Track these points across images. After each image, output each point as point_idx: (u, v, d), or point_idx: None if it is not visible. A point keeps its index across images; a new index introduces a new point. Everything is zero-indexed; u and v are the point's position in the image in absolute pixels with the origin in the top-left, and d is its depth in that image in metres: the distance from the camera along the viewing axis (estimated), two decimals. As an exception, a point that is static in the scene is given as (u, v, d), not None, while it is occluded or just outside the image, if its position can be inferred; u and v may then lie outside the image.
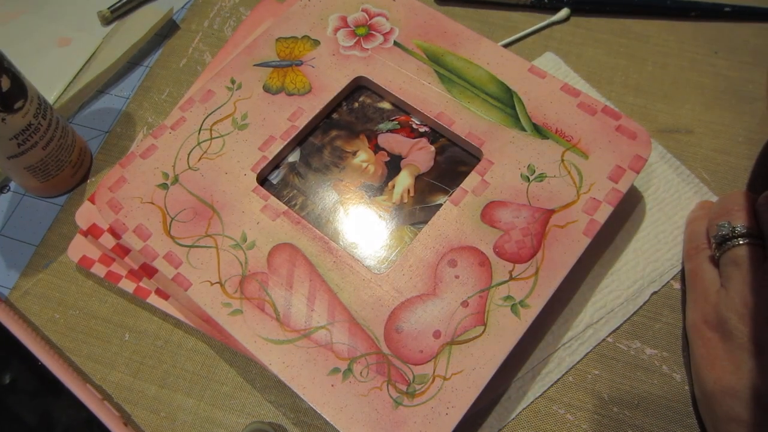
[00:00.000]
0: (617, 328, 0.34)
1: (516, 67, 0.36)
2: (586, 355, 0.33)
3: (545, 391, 0.32)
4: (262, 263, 0.31)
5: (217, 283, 0.30)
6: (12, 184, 0.40)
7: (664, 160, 0.38)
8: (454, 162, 0.35)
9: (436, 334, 0.29)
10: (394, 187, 0.35)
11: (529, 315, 0.29)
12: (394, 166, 0.35)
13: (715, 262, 0.32)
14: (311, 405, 0.28)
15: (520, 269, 0.30)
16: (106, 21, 0.46)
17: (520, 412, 0.32)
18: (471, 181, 0.33)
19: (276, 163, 0.35)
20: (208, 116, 0.36)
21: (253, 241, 0.31)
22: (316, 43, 0.38)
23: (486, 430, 0.31)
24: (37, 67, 0.43)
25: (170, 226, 0.32)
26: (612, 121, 0.34)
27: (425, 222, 0.33)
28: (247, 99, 0.36)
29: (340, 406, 0.27)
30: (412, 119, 0.37)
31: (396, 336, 0.29)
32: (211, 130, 0.35)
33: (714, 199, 0.37)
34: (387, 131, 0.36)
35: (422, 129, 0.36)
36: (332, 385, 0.28)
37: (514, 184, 0.33)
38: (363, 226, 0.33)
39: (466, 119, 0.35)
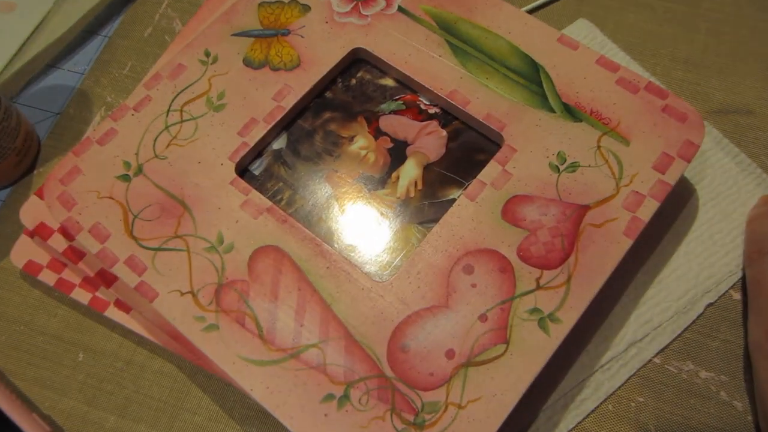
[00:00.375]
0: (666, 347, 0.34)
1: (543, 37, 0.36)
2: (629, 379, 0.33)
3: (580, 423, 0.32)
4: (241, 269, 0.31)
5: (188, 293, 0.30)
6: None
7: (719, 146, 0.38)
8: (469, 149, 0.35)
9: (450, 354, 0.29)
10: (398, 179, 0.35)
11: (560, 331, 0.29)
12: (398, 154, 0.35)
13: (783, 267, 0.31)
14: (300, 439, 0.28)
15: (548, 276, 0.30)
16: (58, -16, 0.46)
17: (550, 446, 0.32)
18: (490, 171, 0.33)
19: (258, 151, 0.35)
20: (177, 95, 0.36)
21: (231, 243, 0.31)
22: (306, 8, 0.38)
23: (509, 468, 0.31)
24: (-25, 37, 0.43)
25: (133, 225, 0.32)
26: (657, 100, 0.34)
27: (436, 220, 0.33)
28: (224, 75, 0.36)
29: (334, 441, 0.28)
30: (420, 98, 0.37)
31: (401, 356, 0.29)
32: (181, 111, 0.35)
33: (779, 193, 0.37)
34: (390, 113, 0.36)
35: (432, 110, 0.36)
36: (325, 415, 0.28)
37: (542, 175, 0.33)
38: (362, 225, 0.33)
39: (484, 98, 0.35)
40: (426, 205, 0.34)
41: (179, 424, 0.33)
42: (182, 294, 0.30)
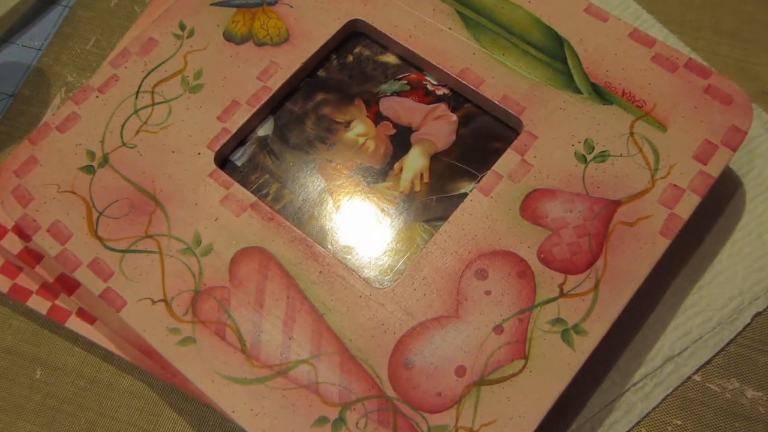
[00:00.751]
0: (707, 363, 0.34)
1: (568, 7, 0.36)
2: (665, 399, 0.33)
3: (608, 449, 0.32)
4: (222, 274, 0.31)
5: (160, 301, 0.30)
6: None
7: (770, 133, 0.38)
8: (483, 136, 0.35)
9: (460, 371, 0.29)
10: (401, 170, 0.35)
11: (586, 345, 0.29)
12: (401, 141, 0.35)
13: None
14: (289, 468, 0.28)
15: (573, 282, 0.30)
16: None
17: (575, 476, 0.32)
18: (507, 161, 0.33)
19: (241, 138, 0.35)
20: (148, 74, 0.36)
21: (209, 244, 0.32)
22: (296, -26, 0.38)
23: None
24: None
25: (97, 223, 0.32)
26: (699, 79, 0.34)
27: (444, 218, 0.33)
28: (201, 51, 0.36)
29: (328, 470, 0.28)
30: (427, 78, 0.37)
31: (405, 373, 0.29)
32: (152, 93, 0.35)
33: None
34: (392, 94, 0.36)
35: (440, 91, 0.36)
36: (318, 441, 0.28)
37: (566, 166, 0.33)
38: (359, 223, 0.33)
39: (500, 78, 0.35)
40: (433, 201, 0.34)
41: (151, 450, 0.33)
42: (154, 302, 0.30)
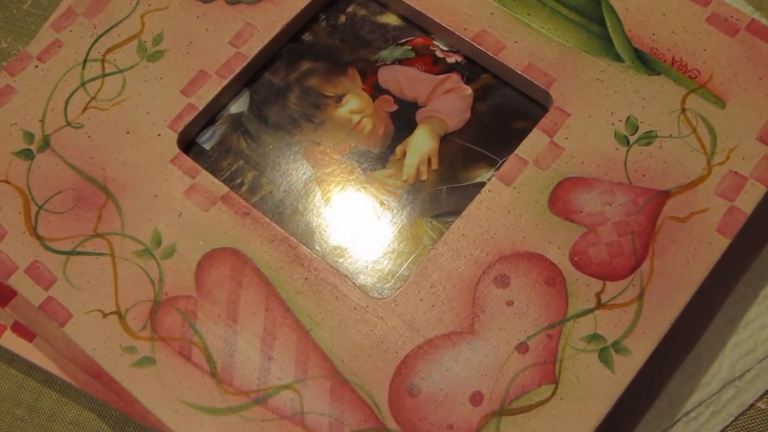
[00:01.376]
0: (774, 387, 0.34)
1: (606, -43, 0.36)
2: (724, 430, 0.33)
3: (655, 491, 0.32)
4: (187, 281, 0.31)
5: (113, 313, 0.30)
6: None
7: None
8: (504, 113, 0.35)
9: (476, 399, 0.29)
10: (404, 155, 0.35)
11: (629, 366, 0.29)
12: (404, 120, 0.35)
13: None
14: None
15: (614, 290, 0.30)
16: None
17: None
18: (533, 144, 0.33)
19: (210, 116, 0.35)
20: (98, 39, 0.36)
21: (172, 244, 0.32)
22: None
23: None
24: None
25: (36, 219, 0.32)
26: (764, 45, 0.34)
27: (457, 213, 0.33)
28: (162, 10, 0.36)
29: None
30: (435, 42, 0.37)
31: (409, 401, 0.29)
32: (103, 61, 0.35)
33: None
34: (393, 62, 0.36)
35: (452, 59, 0.36)
36: (304, 483, 0.28)
37: (604, 149, 0.33)
38: (354, 219, 0.33)
39: (525, 42, 0.35)
40: (443, 192, 0.34)
41: (103, 494, 0.33)
42: (105, 315, 0.30)
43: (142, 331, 0.30)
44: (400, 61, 0.36)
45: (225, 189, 0.33)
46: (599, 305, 0.30)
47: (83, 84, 0.35)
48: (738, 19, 0.35)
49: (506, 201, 0.32)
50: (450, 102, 0.35)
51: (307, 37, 0.37)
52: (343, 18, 0.37)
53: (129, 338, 0.30)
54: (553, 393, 0.29)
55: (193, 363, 0.30)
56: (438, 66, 0.36)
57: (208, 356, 0.30)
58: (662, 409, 0.33)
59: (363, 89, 0.36)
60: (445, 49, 0.37)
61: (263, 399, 0.29)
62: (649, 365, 0.29)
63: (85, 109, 0.34)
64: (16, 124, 0.34)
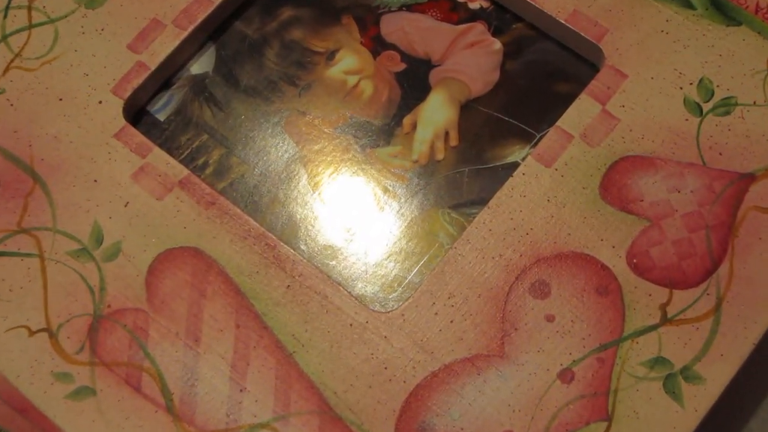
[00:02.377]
0: None
1: None
2: None
3: None
4: (135, 290, 0.31)
5: (42, 330, 0.30)
6: None
7: None
8: (542, 74, 0.35)
9: None
10: (415, 127, 0.34)
11: (702, 398, 0.29)
12: (414, 82, 0.35)
13: None
14: None
15: (683, 301, 0.30)
16: None
17: None
18: (580, 114, 0.33)
19: (164, 79, 0.35)
20: None
21: (116, 243, 0.31)
22: None
23: None
24: None
25: None
26: None
27: (482, 203, 0.32)
28: None
29: None
30: None
31: None
32: (29, 9, 0.35)
33: None
34: (400, 9, 0.36)
35: (475, 3, 0.36)
36: None
37: (671, 120, 0.32)
38: (350, 210, 0.33)
39: None
40: (465, 176, 0.33)
41: None
42: (32, 333, 0.30)
43: (78, 354, 0.30)
44: (408, 7, 0.36)
45: (184, 171, 0.32)
46: (665, 321, 0.30)
47: (4, 38, 0.35)
48: (843, -47, 0.35)
49: (545, 187, 0.32)
50: (473, 59, 0.35)
51: (289, -24, 0.37)
52: (335, -48, 0.38)
53: (62, 362, 0.30)
54: (606, 433, 0.29)
55: (144, 395, 0.29)
56: (458, 13, 0.36)
57: (162, 386, 0.29)
58: (744, 453, 0.33)
59: (361, 43, 0.36)
60: (467, -9, 0.36)
61: (233, 442, 0.29)
62: (726, 397, 0.29)
63: (6, 70, 0.34)
64: None
